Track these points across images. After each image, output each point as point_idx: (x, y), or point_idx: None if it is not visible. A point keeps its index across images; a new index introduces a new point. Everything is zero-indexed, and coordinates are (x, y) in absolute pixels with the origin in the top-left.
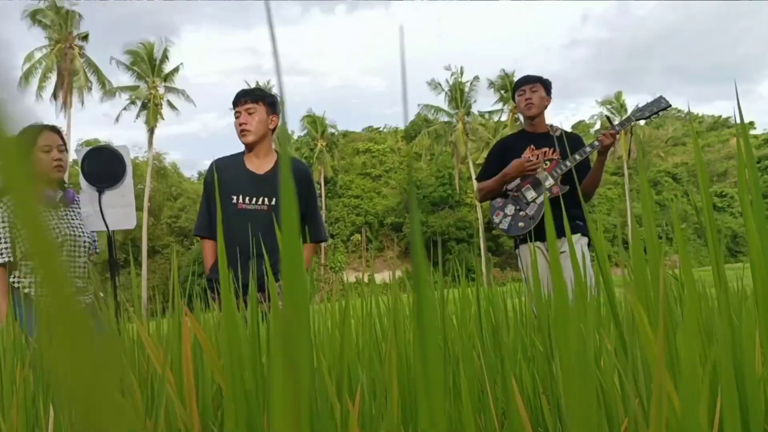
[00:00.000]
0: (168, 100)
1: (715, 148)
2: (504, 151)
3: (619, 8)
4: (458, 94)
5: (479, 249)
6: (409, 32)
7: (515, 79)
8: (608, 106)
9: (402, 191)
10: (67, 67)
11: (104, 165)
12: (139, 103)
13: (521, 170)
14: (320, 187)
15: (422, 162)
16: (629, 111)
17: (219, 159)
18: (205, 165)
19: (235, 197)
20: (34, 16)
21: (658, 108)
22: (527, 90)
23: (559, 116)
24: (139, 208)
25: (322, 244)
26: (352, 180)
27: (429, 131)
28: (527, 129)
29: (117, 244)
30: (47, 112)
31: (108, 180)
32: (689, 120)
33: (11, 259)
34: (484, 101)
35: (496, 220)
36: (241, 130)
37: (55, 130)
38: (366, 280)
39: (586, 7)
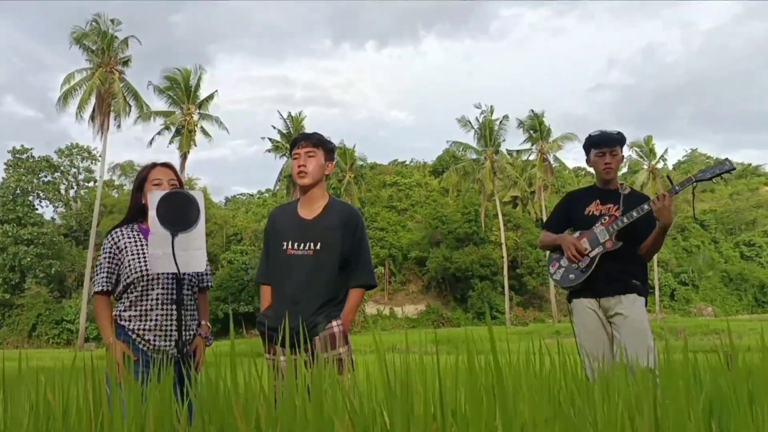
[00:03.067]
0: (202, 127)
1: (744, 196)
2: (572, 203)
3: (645, 55)
4: (487, 132)
5: (502, 287)
6: (437, 70)
7: (544, 120)
8: (637, 150)
9: (427, 226)
10: (108, 91)
11: (179, 209)
12: (173, 129)
13: (566, 250)
14: None
15: (449, 198)
16: (658, 155)
17: (277, 208)
18: (233, 191)
19: (285, 243)
20: (80, 40)
21: (721, 170)
22: (608, 153)
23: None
24: None
25: None
26: (378, 212)
27: (457, 168)
28: (598, 185)
29: None
30: (85, 134)
31: (182, 224)
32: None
33: (109, 288)
34: (512, 140)
35: (552, 270)
36: (299, 172)
37: (168, 166)
38: (388, 313)
39: (612, 53)
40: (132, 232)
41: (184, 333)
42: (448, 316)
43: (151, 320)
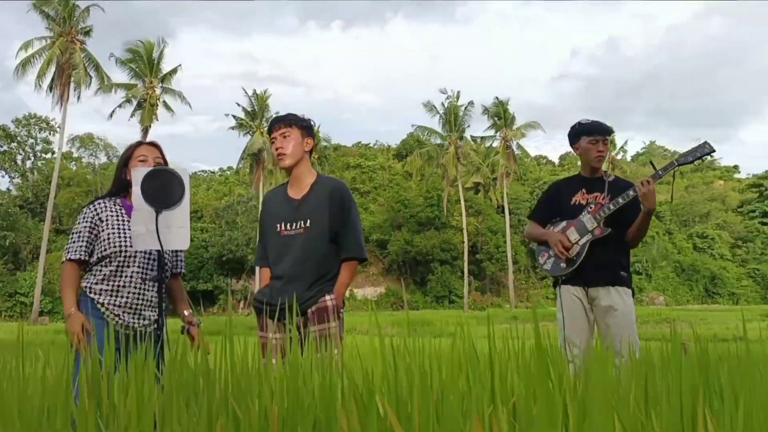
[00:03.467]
0: (164, 101)
1: (698, 189)
2: (558, 193)
3: (607, 47)
4: (452, 118)
5: (462, 272)
6: (404, 52)
7: (509, 107)
8: None
9: (389, 209)
10: (68, 61)
11: (164, 186)
12: (134, 102)
13: (554, 246)
14: None
15: (412, 182)
16: (618, 147)
17: (269, 192)
18: (193, 168)
19: (279, 225)
20: (40, 7)
21: (702, 153)
22: (601, 142)
23: (548, 146)
24: None
25: None
26: None
27: (421, 152)
28: (583, 173)
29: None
30: (43, 104)
31: (167, 201)
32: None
33: (84, 257)
34: (477, 127)
35: (541, 260)
36: (278, 155)
37: (155, 144)
38: (348, 295)
39: (575, 43)
40: (115, 205)
41: (162, 312)
42: (407, 299)
43: (122, 297)
